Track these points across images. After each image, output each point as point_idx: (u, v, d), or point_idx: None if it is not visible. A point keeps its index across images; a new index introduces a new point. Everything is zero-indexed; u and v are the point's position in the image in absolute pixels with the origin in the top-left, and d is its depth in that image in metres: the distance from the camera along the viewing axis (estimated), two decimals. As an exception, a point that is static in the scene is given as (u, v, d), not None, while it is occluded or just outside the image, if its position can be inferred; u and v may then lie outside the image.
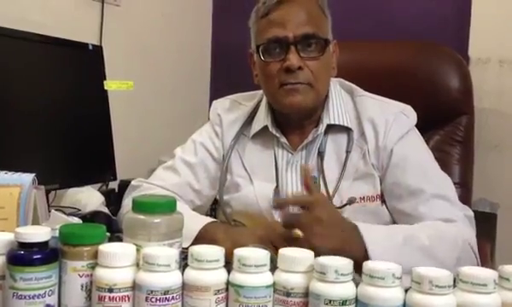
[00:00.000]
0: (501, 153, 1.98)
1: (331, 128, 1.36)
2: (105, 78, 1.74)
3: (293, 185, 1.36)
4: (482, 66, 1.99)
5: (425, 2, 2.16)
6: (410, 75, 1.73)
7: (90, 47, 1.78)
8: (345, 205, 1.29)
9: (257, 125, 1.41)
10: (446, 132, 1.73)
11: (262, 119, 1.40)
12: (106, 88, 1.67)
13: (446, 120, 1.73)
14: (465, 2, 2.03)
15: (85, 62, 1.77)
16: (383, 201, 1.32)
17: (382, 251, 1.08)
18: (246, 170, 1.40)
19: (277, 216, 1.34)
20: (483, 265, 1.22)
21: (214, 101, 1.53)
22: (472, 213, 1.32)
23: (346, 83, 1.44)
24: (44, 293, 0.81)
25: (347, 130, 1.36)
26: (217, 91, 2.46)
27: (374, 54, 1.81)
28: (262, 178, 1.37)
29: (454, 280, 0.75)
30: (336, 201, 1.30)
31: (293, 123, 1.37)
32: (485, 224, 1.75)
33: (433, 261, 1.07)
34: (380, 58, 1.79)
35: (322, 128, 1.35)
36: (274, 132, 1.38)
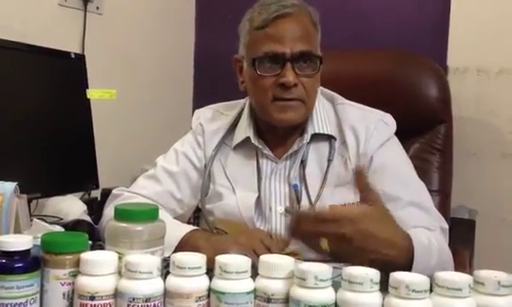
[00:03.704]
0: (479, 160, 2.01)
1: (314, 137, 1.37)
2: (87, 87, 1.74)
3: (276, 194, 1.37)
4: (460, 75, 2.03)
5: (404, 12, 2.19)
6: (390, 84, 1.75)
7: (73, 56, 1.78)
8: None
9: (239, 136, 1.42)
10: (425, 140, 1.76)
11: (244, 130, 1.41)
12: (88, 97, 1.67)
13: (425, 129, 1.76)
14: (443, 12, 2.06)
15: (68, 71, 1.76)
16: (361, 208, 1.34)
17: (422, 258, 1.08)
18: (228, 179, 1.40)
19: (259, 224, 1.36)
20: (461, 271, 1.24)
21: (196, 111, 1.54)
22: (447, 226, 1.32)
23: (327, 91, 1.45)
24: (26, 302, 0.81)
25: (329, 138, 1.37)
26: (199, 100, 2.47)
27: (353, 63, 1.84)
28: (244, 188, 1.38)
29: (430, 285, 0.77)
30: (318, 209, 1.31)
31: (278, 133, 1.39)
32: (464, 231, 1.78)
33: (440, 265, 1.10)
34: (359, 67, 1.82)
35: (307, 138, 1.36)
36: (256, 144, 1.39)
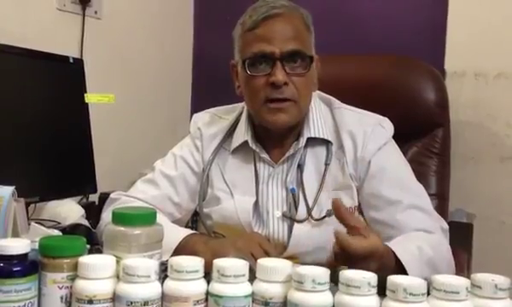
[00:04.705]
0: (476, 164, 2.01)
1: (311, 141, 1.37)
2: (86, 91, 1.74)
3: (273, 198, 1.37)
4: (458, 79, 2.03)
5: (401, 17, 2.19)
6: (388, 89, 1.75)
7: (71, 60, 1.78)
8: (324, 217, 1.31)
9: (237, 140, 1.42)
10: (423, 144, 1.76)
11: (242, 134, 1.41)
12: (86, 101, 1.67)
13: (423, 132, 1.77)
14: (441, 16, 2.07)
15: (66, 75, 1.77)
16: (360, 212, 1.34)
17: (415, 268, 1.09)
18: (226, 183, 1.41)
19: (257, 228, 1.36)
20: (459, 274, 1.24)
21: (194, 115, 1.54)
22: (447, 226, 1.34)
23: (325, 95, 1.46)
24: (24, 305, 0.81)
25: (326, 142, 1.38)
26: (197, 104, 2.48)
27: (351, 68, 1.84)
28: (242, 192, 1.38)
29: (428, 288, 0.77)
30: (315, 213, 1.32)
31: (274, 137, 1.39)
32: (462, 234, 1.79)
33: (435, 272, 1.09)
34: (357, 72, 1.82)
35: (303, 141, 1.36)
36: (254, 147, 1.39)
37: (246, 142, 1.40)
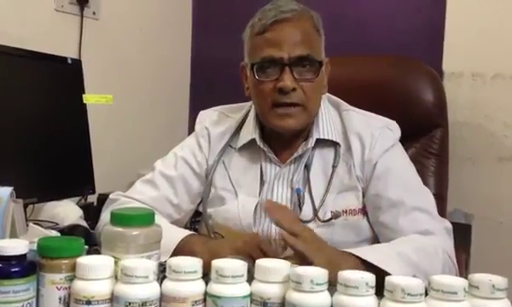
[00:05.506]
0: (474, 164, 2.01)
1: (319, 142, 1.37)
2: (84, 92, 1.74)
3: (278, 199, 1.36)
4: (456, 80, 2.03)
5: (400, 18, 2.20)
6: (386, 89, 1.76)
7: (69, 61, 1.79)
8: (330, 219, 1.31)
9: (244, 137, 1.41)
10: (421, 145, 1.76)
11: (250, 132, 1.41)
12: (85, 102, 1.67)
13: (421, 133, 1.77)
14: (438, 17, 2.07)
15: (64, 76, 1.77)
16: (365, 214, 1.34)
17: (393, 266, 1.10)
18: (231, 183, 1.40)
19: (260, 228, 1.35)
20: (457, 275, 1.25)
21: (201, 112, 1.53)
22: (451, 226, 1.34)
23: (333, 97, 1.46)
24: (22, 306, 0.81)
25: (334, 144, 1.37)
26: (196, 105, 2.47)
27: (350, 69, 1.84)
28: (246, 192, 1.38)
29: (426, 289, 0.77)
30: (321, 215, 1.32)
31: (283, 138, 1.38)
32: (460, 235, 1.78)
33: (422, 275, 1.09)
34: (356, 73, 1.82)
35: (311, 142, 1.36)
36: (262, 146, 1.38)
37: (253, 141, 1.39)
